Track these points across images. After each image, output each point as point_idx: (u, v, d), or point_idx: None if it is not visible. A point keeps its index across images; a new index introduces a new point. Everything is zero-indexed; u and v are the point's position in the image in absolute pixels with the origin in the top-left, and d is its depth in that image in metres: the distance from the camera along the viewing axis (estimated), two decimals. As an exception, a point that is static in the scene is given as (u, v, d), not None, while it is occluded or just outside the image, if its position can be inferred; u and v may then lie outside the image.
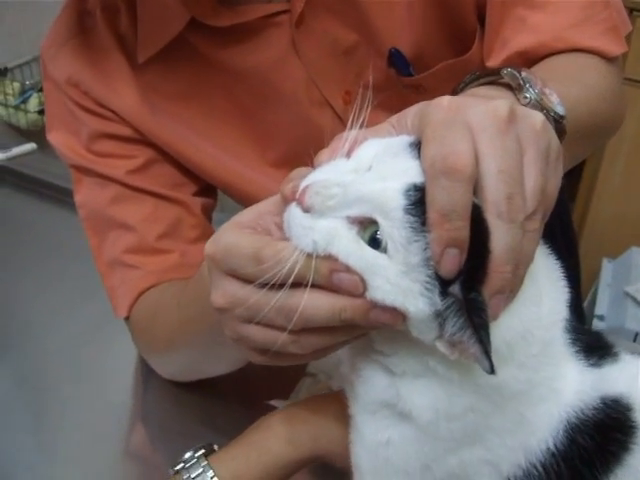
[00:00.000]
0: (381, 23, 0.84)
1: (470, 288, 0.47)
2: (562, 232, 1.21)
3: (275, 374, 0.79)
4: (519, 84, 0.61)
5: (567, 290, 0.55)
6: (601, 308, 1.98)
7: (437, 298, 0.47)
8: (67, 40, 0.88)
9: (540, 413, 0.53)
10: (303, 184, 0.51)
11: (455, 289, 0.47)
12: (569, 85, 0.70)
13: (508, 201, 0.46)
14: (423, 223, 0.46)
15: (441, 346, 0.49)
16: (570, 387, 0.54)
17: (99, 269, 0.92)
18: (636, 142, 2.26)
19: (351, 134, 0.52)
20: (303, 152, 0.91)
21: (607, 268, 2.15)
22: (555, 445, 0.53)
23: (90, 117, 0.89)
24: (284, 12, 0.82)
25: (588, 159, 2.32)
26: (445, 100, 0.50)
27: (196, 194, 0.93)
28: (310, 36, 0.84)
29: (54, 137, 0.92)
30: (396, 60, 0.86)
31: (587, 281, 2.21)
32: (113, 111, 0.88)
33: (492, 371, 0.47)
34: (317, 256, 0.48)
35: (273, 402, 0.82)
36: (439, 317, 0.48)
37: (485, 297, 0.47)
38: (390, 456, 0.55)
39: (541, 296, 0.52)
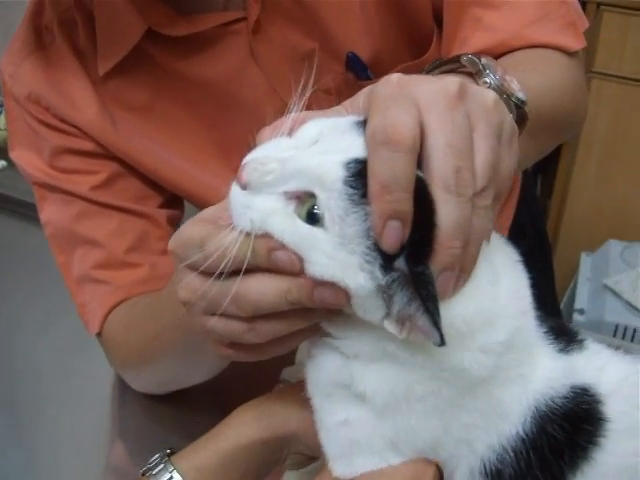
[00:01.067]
0: (337, 28, 0.84)
1: (416, 262, 0.45)
2: (534, 230, 1.22)
3: (249, 383, 0.79)
4: (479, 70, 0.61)
5: (526, 275, 0.55)
6: (581, 302, 1.99)
7: (378, 272, 0.46)
8: (26, 56, 0.88)
9: (510, 396, 0.52)
10: (243, 162, 0.50)
11: (400, 263, 0.46)
12: (531, 75, 0.70)
13: (456, 174, 0.45)
14: (363, 195, 0.45)
15: (389, 325, 0.48)
16: (541, 373, 0.53)
17: (68, 286, 0.92)
18: (609, 135, 2.27)
19: (296, 114, 0.52)
20: None
21: (585, 262, 2.16)
22: (524, 431, 0.52)
23: (52, 133, 0.88)
24: (241, 20, 0.83)
25: (562, 154, 2.34)
26: (394, 77, 0.50)
27: (162, 206, 0.93)
28: (268, 43, 0.84)
29: (17, 155, 0.91)
30: (354, 64, 0.86)
31: (566, 276, 2.22)
32: (75, 126, 0.87)
33: (442, 342, 0.45)
34: (255, 235, 0.47)
35: None
36: (384, 294, 0.47)
37: (433, 273, 0.45)
38: (351, 435, 0.54)
39: (498, 276, 0.51)
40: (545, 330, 0.55)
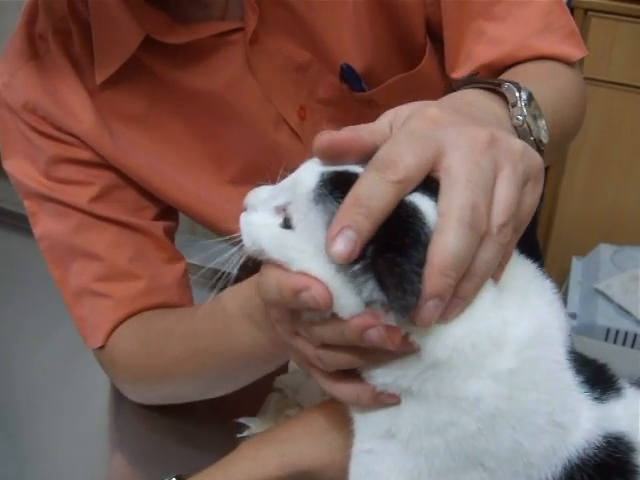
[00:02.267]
0: (331, 40, 0.85)
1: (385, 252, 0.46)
2: (525, 235, 1.22)
3: (244, 391, 0.80)
4: (515, 102, 0.62)
5: (558, 307, 0.54)
6: (572, 306, 1.99)
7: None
8: (21, 65, 0.87)
9: (540, 445, 0.50)
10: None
11: (369, 251, 0.47)
12: (545, 91, 0.70)
13: (472, 208, 0.46)
14: (330, 197, 0.48)
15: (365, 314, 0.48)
16: (580, 424, 0.51)
17: (65, 300, 0.91)
18: (599, 140, 2.28)
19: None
20: (262, 168, 0.92)
21: (577, 266, 2.17)
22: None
23: (48, 142, 0.87)
24: (238, 30, 0.83)
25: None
26: (431, 111, 0.51)
27: (157, 217, 0.92)
28: (264, 54, 0.85)
29: (10, 165, 0.90)
30: (348, 76, 0.87)
31: (558, 281, 2.20)
32: (72, 134, 0.87)
33: (409, 307, 0.45)
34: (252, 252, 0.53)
35: (242, 420, 0.82)
36: (355, 282, 0.48)
37: (421, 300, 0.46)
38: (372, 466, 0.54)
39: (518, 301, 0.51)
40: (582, 379, 0.53)
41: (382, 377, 0.51)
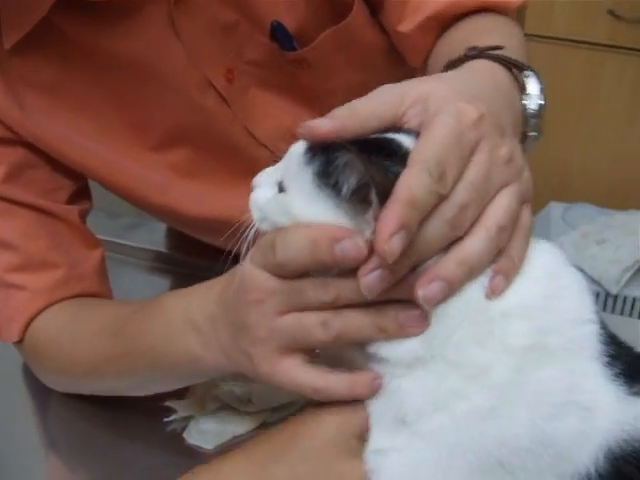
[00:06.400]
0: None
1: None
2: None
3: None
4: (531, 93, 0.65)
5: (589, 293, 0.53)
6: (525, 266, 1.99)
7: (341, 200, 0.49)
8: None
9: (564, 429, 0.48)
10: None
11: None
12: (508, 41, 0.71)
13: (440, 166, 0.47)
14: (318, 157, 0.51)
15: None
16: (606, 411, 0.49)
17: None
18: (546, 95, 2.27)
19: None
20: (188, 134, 0.87)
21: (528, 226, 2.16)
22: (598, 472, 0.48)
23: None
24: None
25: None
26: (471, 113, 0.50)
27: (71, 199, 0.87)
28: (189, 14, 0.80)
29: None
30: (279, 34, 0.83)
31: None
32: None
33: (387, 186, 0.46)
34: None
35: (168, 403, 0.79)
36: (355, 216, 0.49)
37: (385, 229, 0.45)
38: (377, 466, 0.52)
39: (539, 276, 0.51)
40: (616, 372, 0.50)
41: (391, 347, 0.50)
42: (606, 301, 1.88)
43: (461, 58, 0.66)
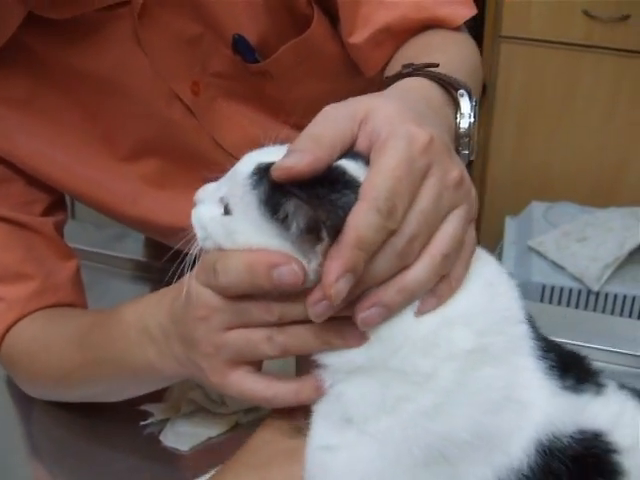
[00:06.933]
0: (222, 11, 0.82)
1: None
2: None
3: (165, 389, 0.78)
4: (464, 113, 0.66)
5: (514, 288, 0.55)
6: (507, 266, 2.00)
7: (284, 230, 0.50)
8: None
9: (501, 422, 0.50)
10: None
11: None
12: (457, 62, 0.73)
13: (389, 201, 0.47)
14: (265, 182, 0.50)
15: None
16: (538, 404, 0.51)
17: None
18: (523, 97, 2.30)
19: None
20: (156, 145, 0.88)
21: (510, 225, 2.18)
22: (529, 465, 0.49)
23: None
24: (126, 4, 0.79)
25: (479, 120, 2.35)
26: (422, 138, 0.50)
27: (46, 211, 0.88)
28: (153, 29, 0.81)
29: None
30: (240, 47, 0.84)
31: (493, 241, 2.24)
32: None
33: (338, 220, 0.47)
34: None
35: (146, 407, 0.80)
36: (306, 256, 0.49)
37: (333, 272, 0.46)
38: (328, 463, 0.53)
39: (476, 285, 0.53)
40: (549, 365, 0.53)
41: (332, 355, 0.52)
42: (588, 298, 1.90)
43: (396, 75, 0.67)
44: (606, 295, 1.89)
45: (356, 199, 0.47)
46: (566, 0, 2.18)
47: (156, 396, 0.80)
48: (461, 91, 0.65)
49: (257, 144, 0.86)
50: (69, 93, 0.83)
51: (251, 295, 0.53)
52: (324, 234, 0.47)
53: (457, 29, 0.83)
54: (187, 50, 0.84)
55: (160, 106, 0.85)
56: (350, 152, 0.51)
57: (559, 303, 1.91)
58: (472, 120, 0.65)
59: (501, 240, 2.18)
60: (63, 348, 0.79)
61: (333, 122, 0.52)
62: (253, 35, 0.84)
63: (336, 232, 0.46)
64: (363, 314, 0.49)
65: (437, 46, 0.78)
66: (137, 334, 0.66)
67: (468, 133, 0.65)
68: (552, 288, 1.91)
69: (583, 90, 2.29)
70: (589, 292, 1.90)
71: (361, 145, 0.52)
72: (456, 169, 0.52)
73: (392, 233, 0.48)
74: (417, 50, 0.78)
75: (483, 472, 0.50)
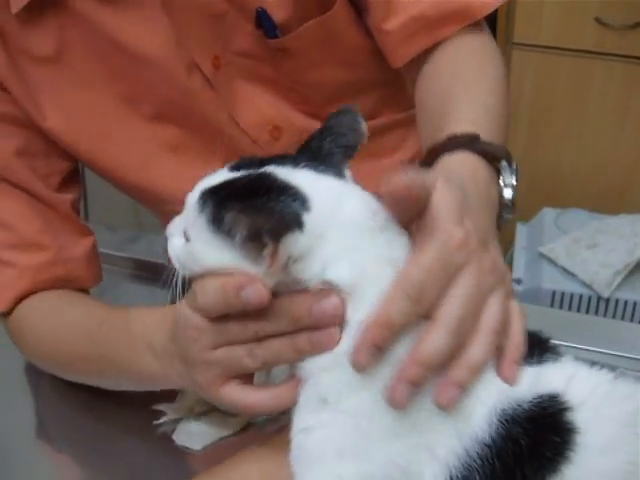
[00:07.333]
0: None
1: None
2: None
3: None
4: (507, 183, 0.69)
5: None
6: (518, 272, 2.00)
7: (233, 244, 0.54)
8: None
9: (468, 395, 0.53)
10: None
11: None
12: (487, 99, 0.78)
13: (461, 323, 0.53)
14: (208, 203, 0.55)
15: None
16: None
17: None
18: (535, 105, 2.30)
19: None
20: (175, 113, 0.90)
21: (521, 231, 2.18)
22: (490, 435, 0.53)
23: None
24: None
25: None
26: (459, 235, 0.54)
27: (61, 185, 0.91)
28: None
29: None
30: (263, 21, 0.85)
31: (504, 247, 2.23)
32: None
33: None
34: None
35: (159, 407, 0.81)
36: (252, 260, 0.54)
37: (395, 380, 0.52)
38: (304, 442, 0.56)
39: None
40: None
41: (313, 360, 0.56)
42: (598, 304, 1.90)
43: (442, 146, 0.68)
44: (616, 301, 1.89)
45: (293, 201, 0.52)
46: (578, 7, 2.18)
47: (169, 396, 0.81)
48: (503, 163, 0.69)
49: (271, 125, 0.92)
50: (97, 53, 0.85)
51: (231, 315, 0.58)
52: (266, 239, 0.52)
53: (480, 25, 0.85)
54: (211, 24, 0.85)
55: (181, 74, 0.86)
56: (277, 158, 0.58)
57: (569, 309, 1.90)
58: (513, 193, 0.69)
59: (512, 246, 2.17)
60: (71, 338, 0.82)
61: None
62: (276, 12, 0.85)
63: (277, 235, 0.51)
64: (446, 396, 0.53)
65: (471, 80, 0.81)
66: (143, 346, 0.70)
67: (511, 201, 0.69)
68: (562, 294, 1.91)
69: (594, 97, 2.29)
70: (599, 298, 1.89)
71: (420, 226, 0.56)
72: (489, 257, 0.56)
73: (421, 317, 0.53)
74: (450, 82, 0.81)
75: (451, 443, 0.53)
